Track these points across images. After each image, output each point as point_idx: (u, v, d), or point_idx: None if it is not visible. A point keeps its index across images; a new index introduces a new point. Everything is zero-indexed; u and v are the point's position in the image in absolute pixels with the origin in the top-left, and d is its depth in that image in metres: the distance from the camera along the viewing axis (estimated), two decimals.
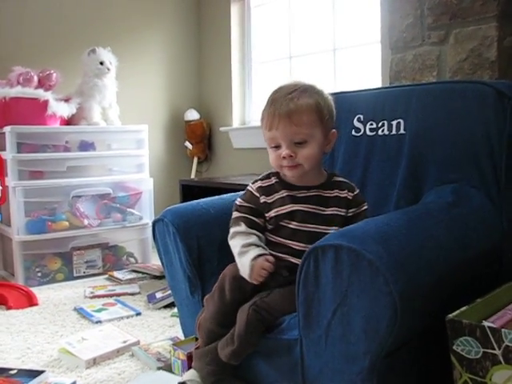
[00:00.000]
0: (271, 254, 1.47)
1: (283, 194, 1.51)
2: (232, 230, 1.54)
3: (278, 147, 1.48)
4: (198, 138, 4.08)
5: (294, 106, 1.44)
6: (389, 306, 1.07)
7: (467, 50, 2.23)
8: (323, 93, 1.51)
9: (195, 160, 4.15)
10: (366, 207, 1.54)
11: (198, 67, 4.27)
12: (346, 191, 1.53)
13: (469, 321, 1.09)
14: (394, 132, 1.77)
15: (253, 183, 1.58)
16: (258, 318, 1.39)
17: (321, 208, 1.49)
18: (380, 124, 1.81)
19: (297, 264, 1.34)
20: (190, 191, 3.33)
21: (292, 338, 1.31)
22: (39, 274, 3.09)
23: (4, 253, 3.38)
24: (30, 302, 2.70)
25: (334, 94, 2.16)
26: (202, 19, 4.23)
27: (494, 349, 1.06)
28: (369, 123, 1.85)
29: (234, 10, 3.97)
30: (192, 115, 4.08)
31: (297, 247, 1.47)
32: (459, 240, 1.35)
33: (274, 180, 1.55)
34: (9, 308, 2.62)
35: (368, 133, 1.86)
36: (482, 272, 1.41)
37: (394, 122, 1.77)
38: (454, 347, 1.12)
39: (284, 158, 1.46)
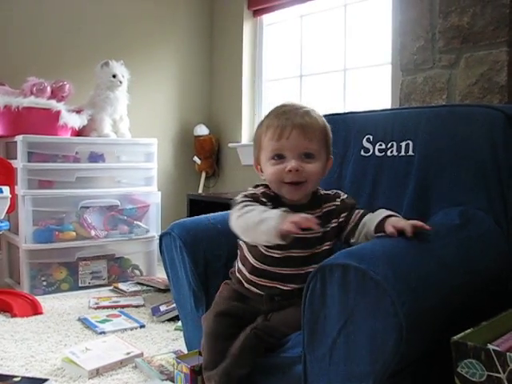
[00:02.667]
0: (259, 283, 1.46)
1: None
2: (239, 211, 1.40)
3: (281, 159, 1.42)
4: (206, 153, 4.10)
5: (309, 119, 1.42)
6: (395, 327, 1.07)
7: (477, 75, 2.24)
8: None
9: (203, 175, 4.17)
10: (357, 208, 1.50)
11: (208, 83, 4.30)
12: (332, 202, 1.50)
13: (474, 343, 1.10)
14: (402, 153, 1.78)
15: (249, 189, 1.52)
16: (257, 341, 1.36)
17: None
18: (389, 145, 1.82)
19: (288, 289, 1.38)
20: (197, 206, 3.34)
21: (295, 354, 1.31)
22: (44, 283, 3.10)
23: (11, 261, 3.39)
24: (35, 310, 2.70)
25: (343, 114, 2.20)
26: (214, 36, 4.27)
27: (499, 372, 1.06)
28: (378, 144, 1.86)
29: (247, 28, 4.01)
30: (201, 130, 4.11)
31: (286, 272, 1.44)
32: (466, 263, 1.35)
33: (261, 191, 1.49)
34: (13, 316, 2.62)
35: (377, 153, 1.86)
36: (489, 295, 1.41)
37: (403, 144, 1.77)
38: (459, 369, 1.12)
39: (289, 171, 1.39)
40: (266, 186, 1.50)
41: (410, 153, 1.76)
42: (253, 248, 1.47)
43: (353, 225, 1.47)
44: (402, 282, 1.11)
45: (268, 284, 1.45)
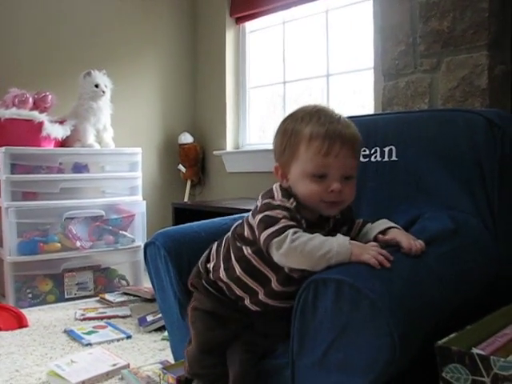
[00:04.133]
0: (264, 304, 1.37)
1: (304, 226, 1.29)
2: (291, 238, 1.20)
3: (322, 178, 1.27)
4: (191, 162, 4.09)
5: (354, 131, 1.31)
6: (388, 346, 1.05)
7: (458, 78, 2.25)
8: None
9: (188, 183, 4.16)
10: (355, 220, 1.44)
11: (192, 91, 4.30)
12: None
13: (458, 348, 1.09)
14: (386, 159, 1.78)
15: (280, 200, 1.30)
16: (254, 362, 1.32)
17: None
18: (373, 150, 1.82)
19: (285, 306, 1.33)
20: (182, 214, 3.33)
21: (284, 361, 1.30)
22: (30, 296, 3.07)
23: None
24: (20, 323, 2.68)
25: None
26: (197, 44, 4.27)
27: (483, 376, 1.06)
28: (362, 149, 1.86)
29: (230, 35, 4.01)
30: (186, 138, 4.10)
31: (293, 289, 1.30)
32: (460, 276, 1.34)
33: (294, 204, 1.30)
34: None
35: (361, 159, 1.87)
36: (481, 300, 1.41)
37: (386, 149, 1.78)
38: (444, 374, 1.12)
39: (332, 191, 1.26)
40: (291, 194, 1.32)
41: (394, 158, 1.76)
42: (280, 271, 1.31)
43: (354, 236, 1.40)
44: (397, 301, 1.10)
45: (274, 304, 1.37)
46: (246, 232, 1.36)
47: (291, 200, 1.29)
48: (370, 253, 1.16)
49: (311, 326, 1.19)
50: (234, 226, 1.46)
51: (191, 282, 1.52)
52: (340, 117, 1.31)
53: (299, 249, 1.18)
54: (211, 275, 1.45)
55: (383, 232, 1.34)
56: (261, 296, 1.36)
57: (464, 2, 2.20)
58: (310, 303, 1.18)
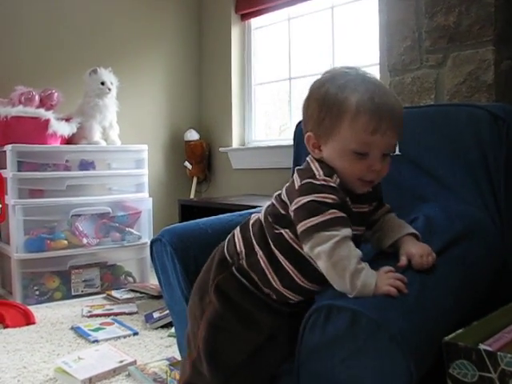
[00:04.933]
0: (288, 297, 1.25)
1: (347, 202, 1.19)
2: (337, 235, 1.10)
3: (363, 155, 1.15)
4: (197, 158, 4.10)
5: (400, 107, 1.18)
6: (404, 373, 1.02)
7: (465, 73, 2.25)
8: None
9: (195, 180, 4.16)
10: (382, 201, 1.34)
11: (198, 88, 4.30)
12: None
13: (464, 344, 1.09)
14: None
15: (324, 179, 1.16)
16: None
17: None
18: None
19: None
20: (189, 211, 3.33)
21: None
22: (37, 293, 3.08)
23: (2, 271, 3.38)
24: (28, 320, 2.69)
25: None
26: (202, 41, 4.27)
27: (490, 372, 1.05)
28: None
29: (235, 32, 4.01)
30: (192, 135, 4.10)
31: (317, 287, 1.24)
32: (471, 278, 1.32)
33: (337, 182, 1.17)
34: (6, 326, 2.61)
35: None
36: (487, 296, 1.40)
37: None
38: (450, 370, 1.11)
39: (373, 171, 1.17)
40: (329, 167, 1.19)
41: (397, 152, 1.75)
42: (307, 265, 1.21)
43: (375, 218, 1.31)
44: (415, 331, 1.06)
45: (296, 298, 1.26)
46: (280, 211, 1.25)
47: (334, 177, 1.17)
48: (387, 282, 1.08)
49: (320, 345, 1.14)
50: (265, 207, 1.33)
51: (216, 281, 1.28)
52: (390, 92, 1.19)
53: (332, 261, 1.09)
54: (243, 262, 1.27)
55: (400, 239, 1.25)
56: (298, 279, 1.23)
57: None
58: (320, 326, 1.12)
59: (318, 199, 1.13)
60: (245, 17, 3.99)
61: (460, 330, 1.15)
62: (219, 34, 4.09)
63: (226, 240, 1.36)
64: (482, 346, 1.11)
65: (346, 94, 1.15)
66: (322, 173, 1.17)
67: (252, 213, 1.95)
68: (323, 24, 3.49)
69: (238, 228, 1.36)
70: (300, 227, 1.14)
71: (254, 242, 1.27)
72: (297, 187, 1.19)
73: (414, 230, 1.27)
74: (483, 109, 1.59)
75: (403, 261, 1.18)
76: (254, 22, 4.02)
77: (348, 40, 3.35)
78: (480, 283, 1.37)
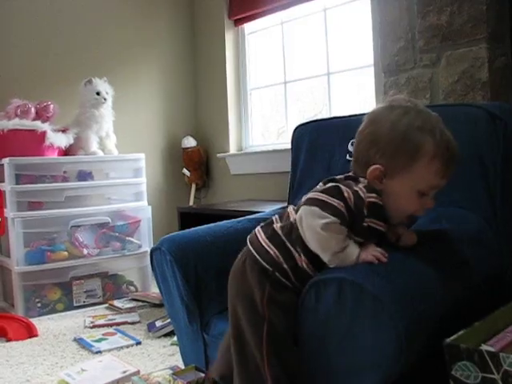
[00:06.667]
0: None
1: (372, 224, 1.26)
2: (326, 218, 1.18)
3: (423, 195, 1.25)
4: (195, 165, 4.09)
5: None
6: (394, 341, 1.06)
7: (459, 72, 2.25)
8: None
9: (193, 187, 4.15)
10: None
11: (193, 94, 4.30)
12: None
13: (466, 345, 1.09)
14: None
15: (360, 189, 1.24)
16: None
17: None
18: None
19: None
20: (188, 218, 3.33)
21: None
22: (39, 305, 3.08)
23: (4, 284, 3.37)
24: (30, 333, 2.68)
25: (328, 119, 2.20)
26: (197, 47, 4.27)
27: (493, 373, 1.05)
28: None
29: (229, 38, 4.01)
30: (189, 142, 4.10)
31: None
32: (460, 265, 1.34)
33: (372, 200, 1.24)
34: (8, 340, 2.60)
35: None
36: (485, 295, 1.40)
37: None
38: (453, 372, 1.11)
39: (425, 208, 1.28)
40: (376, 191, 1.25)
41: None
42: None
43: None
44: (399, 294, 1.10)
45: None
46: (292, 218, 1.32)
47: (372, 194, 1.23)
48: (368, 251, 1.19)
49: (316, 330, 1.18)
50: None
51: (268, 295, 1.27)
52: (447, 133, 1.26)
53: (320, 237, 1.19)
54: (285, 266, 1.29)
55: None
56: None
57: None
58: (312, 307, 1.18)
59: (342, 188, 1.22)
60: (238, 22, 3.99)
61: (461, 331, 1.15)
62: (213, 40, 4.10)
63: (252, 248, 1.36)
64: (484, 347, 1.11)
65: (425, 137, 1.22)
66: (364, 186, 1.24)
67: (251, 219, 1.96)
68: (316, 27, 3.50)
69: (263, 235, 1.36)
70: (308, 195, 1.24)
71: (289, 246, 1.29)
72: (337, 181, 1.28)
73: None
74: (480, 108, 1.59)
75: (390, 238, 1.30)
76: (248, 27, 4.02)
77: (342, 42, 3.35)
78: (472, 273, 1.37)
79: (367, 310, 1.09)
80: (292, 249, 1.28)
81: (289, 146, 2.20)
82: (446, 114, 1.66)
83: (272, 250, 1.31)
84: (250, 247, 1.37)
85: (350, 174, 1.32)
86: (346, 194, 1.21)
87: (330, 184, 1.25)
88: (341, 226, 1.19)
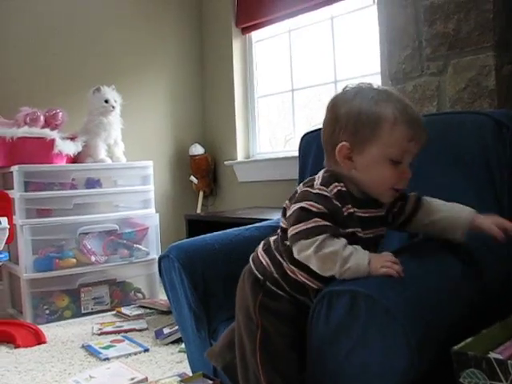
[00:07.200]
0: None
1: (351, 210, 1.24)
2: (315, 246, 1.17)
3: (397, 163, 1.23)
4: (203, 173, 4.11)
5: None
6: (406, 355, 1.04)
7: (466, 80, 2.25)
8: None
9: (201, 194, 4.17)
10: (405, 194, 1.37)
11: (201, 102, 4.32)
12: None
13: (474, 353, 1.09)
14: None
15: (319, 188, 1.24)
16: None
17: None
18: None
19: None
20: (196, 225, 3.34)
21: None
22: (47, 312, 3.09)
23: (12, 291, 3.38)
24: (38, 339, 2.69)
25: None
26: (204, 55, 4.30)
27: (502, 381, 1.05)
28: None
29: (236, 46, 4.03)
30: (197, 150, 4.12)
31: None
32: (475, 277, 1.33)
33: (334, 191, 1.24)
34: (17, 346, 2.61)
35: None
36: (492, 301, 1.40)
37: None
38: (461, 379, 1.11)
39: (404, 178, 1.25)
40: (336, 178, 1.26)
41: None
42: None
43: (409, 212, 1.36)
44: (412, 308, 1.09)
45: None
46: (284, 224, 1.32)
47: (333, 185, 1.24)
48: (385, 264, 1.14)
49: (326, 339, 1.18)
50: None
51: (259, 303, 1.32)
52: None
53: (321, 261, 1.18)
54: (275, 275, 1.32)
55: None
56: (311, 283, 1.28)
57: (468, 3, 2.20)
58: (323, 316, 1.17)
59: (306, 206, 1.21)
60: (245, 30, 4.01)
61: (469, 339, 1.14)
62: (220, 47, 4.12)
63: (251, 260, 1.41)
64: (492, 355, 1.11)
65: (381, 105, 1.22)
66: (319, 182, 1.25)
67: (258, 227, 1.97)
68: (323, 35, 3.51)
69: (261, 247, 1.42)
70: (289, 232, 1.23)
71: (278, 256, 1.33)
72: (296, 196, 1.27)
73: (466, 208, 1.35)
74: (487, 116, 1.59)
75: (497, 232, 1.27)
76: (255, 35, 4.04)
77: (348, 50, 3.36)
78: (483, 279, 1.37)
79: (380, 323, 1.08)
80: (280, 259, 1.32)
81: (296, 153, 2.20)
82: (453, 121, 1.68)
83: (265, 260, 1.36)
84: (250, 260, 1.42)
85: (307, 179, 1.31)
86: (314, 210, 1.20)
87: (294, 208, 1.24)
88: (331, 239, 1.18)
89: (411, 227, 1.39)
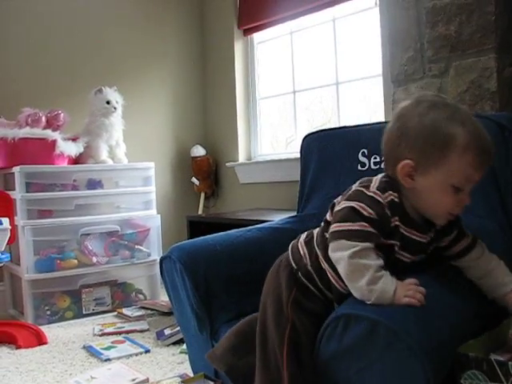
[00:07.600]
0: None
1: (397, 222, 1.22)
2: (353, 252, 1.15)
3: (458, 190, 1.18)
4: (204, 174, 4.11)
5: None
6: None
7: (467, 82, 2.25)
8: None
9: (202, 195, 4.17)
10: (464, 231, 1.34)
11: (203, 104, 4.33)
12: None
13: (475, 354, 1.09)
14: None
15: (374, 192, 1.22)
16: None
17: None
18: (383, 158, 1.82)
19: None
20: (197, 227, 3.34)
21: None
22: (48, 313, 3.09)
23: (14, 291, 3.39)
24: (40, 340, 2.69)
25: (337, 129, 2.20)
26: (206, 56, 4.30)
27: (502, 382, 1.05)
28: (373, 157, 1.87)
29: (238, 47, 4.04)
30: (198, 151, 4.12)
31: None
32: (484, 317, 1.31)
33: (388, 199, 1.22)
34: (18, 347, 2.61)
35: (372, 167, 1.87)
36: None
37: None
38: (462, 381, 1.11)
39: (462, 205, 1.21)
40: (393, 187, 1.24)
41: None
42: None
43: (454, 251, 1.33)
44: (432, 345, 1.07)
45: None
46: (329, 217, 1.31)
47: (388, 193, 1.22)
48: (407, 293, 1.11)
49: (337, 354, 1.16)
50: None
51: (292, 299, 1.30)
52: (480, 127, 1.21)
53: (350, 268, 1.15)
54: (308, 266, 1.32)
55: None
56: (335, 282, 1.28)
57: (470, 6, 2.20)
58: (337, 335, 1.15)
59: (357, 207, 1.19)
60: (247, 32, 4.01)
61: (471, 341, 1.14)
62: (222, 49, 4.12)
63: (290, 248, 1.41)
64: (493, 356, 1.11)
65: (454, 127, 1.16)
66: (376, 186, 1.23)
67: (260, 228, 1.97)
68: (325, 37, 3.51)
69: (303, 238, 1.41)
70: (331, 228, 1.22)
71: (316, 248, 1.33)
72: (350, 193, 1.26)
73: None
74: (489, 119, 1.59)
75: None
76: (257, 36, 4.05)
77: (350, 52, 3.37)
78: None
79: (399, 356, 1.06)
80: (317, 251, 1.32)
81: (298, 155, 2.20)
82: None
83: (303, 250, 1.35)
84: (289, 247, 1.41)
85: (364, 178, 1.29)
86: (364, 213, 1.18)
87: (344, 205, 1.23)
88: (371, 252, 1.16)
89: (457, 261, 1.34)
